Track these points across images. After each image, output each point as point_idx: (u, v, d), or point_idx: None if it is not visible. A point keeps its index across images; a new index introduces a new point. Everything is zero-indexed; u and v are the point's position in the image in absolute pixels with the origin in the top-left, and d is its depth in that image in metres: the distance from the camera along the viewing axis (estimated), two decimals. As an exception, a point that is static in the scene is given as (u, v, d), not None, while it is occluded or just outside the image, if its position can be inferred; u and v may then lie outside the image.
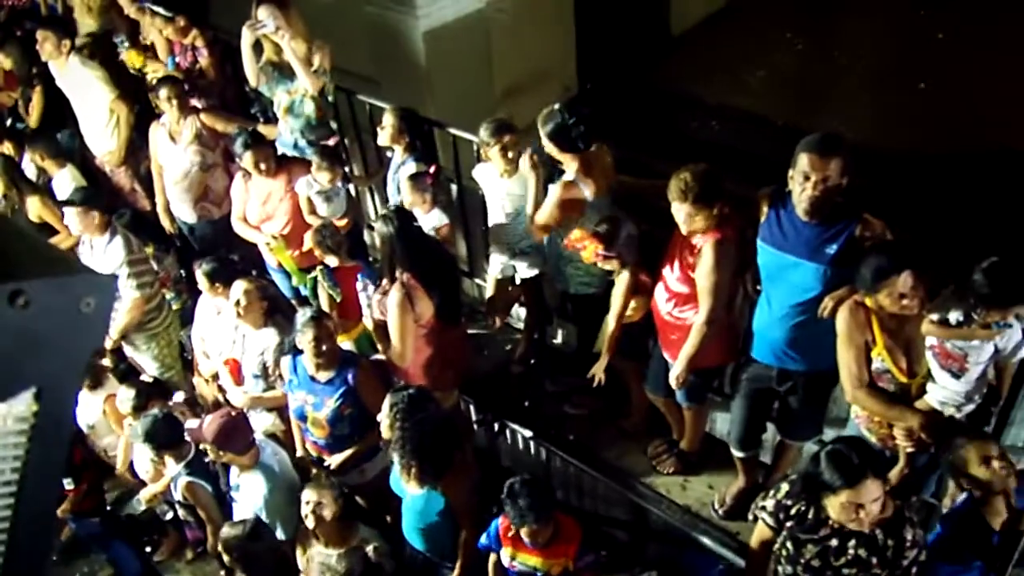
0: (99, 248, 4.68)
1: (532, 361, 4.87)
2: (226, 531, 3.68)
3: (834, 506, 2.75)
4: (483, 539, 3.73)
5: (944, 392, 3.06)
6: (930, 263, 2.96)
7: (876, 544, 2.83)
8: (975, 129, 6.53)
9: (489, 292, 4.59)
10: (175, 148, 5.15)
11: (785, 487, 3.00)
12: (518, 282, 4.51)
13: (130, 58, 5.57)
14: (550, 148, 3.80)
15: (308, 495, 3.75)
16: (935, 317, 2.95)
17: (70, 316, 0.92)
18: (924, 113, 6.75)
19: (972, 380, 3.02)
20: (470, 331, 4.94)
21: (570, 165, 3.81)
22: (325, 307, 4.67)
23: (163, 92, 5.02)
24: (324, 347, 3.92)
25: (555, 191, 3.83)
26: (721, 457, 4.16)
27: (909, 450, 3.17)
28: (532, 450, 4.87)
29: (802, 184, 3.08)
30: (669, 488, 4.29)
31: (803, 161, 3.06)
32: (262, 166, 4.69)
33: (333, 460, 4.11)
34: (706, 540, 4.09)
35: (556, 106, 3.77)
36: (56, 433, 1.01)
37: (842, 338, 3.12)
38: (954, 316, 2.91)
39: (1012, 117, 6.45)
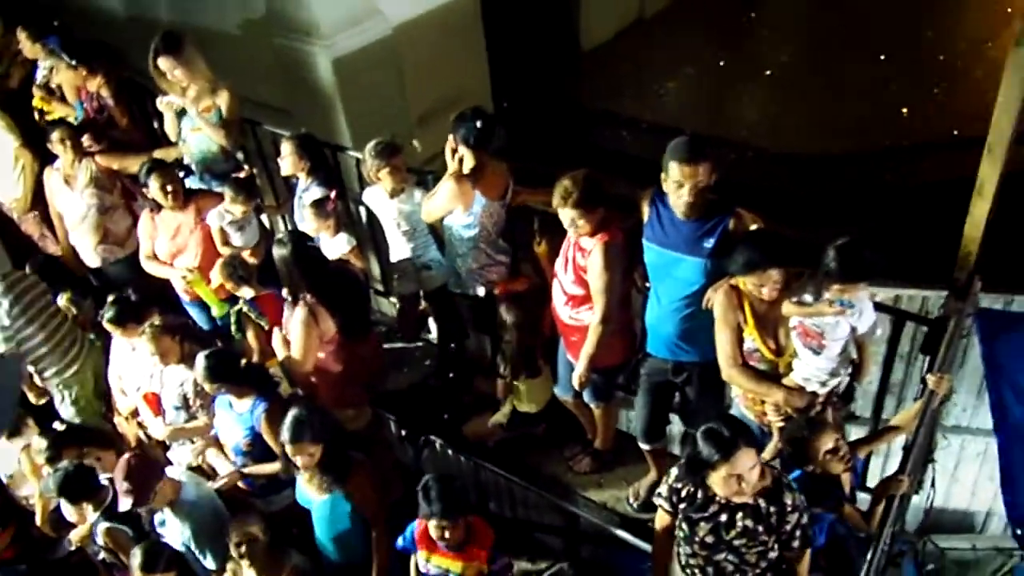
0: None
1: (450, 375, 4.95)
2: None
3: (717, 482, 2.90)
4: (400, 541, 3.81)
5: (808, 369, 3.24)
6: (797, 256, 3.15)
7: (760, 513, 2.98)
8: (873, 128, 6.85)
9: (399, 310, 4.68)
10: (71, 193, 5.12)
11: (675, 472, 3.15)
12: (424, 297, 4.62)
13: (36, 100, 5.57)
14: (452, 143, 3.98)
15: (235, 535, 3.75)
16: (793, 298, 3.15)
17: None
18: (825, 117, 7.06)
19: (833, 357, 3.21)
20: (387, 347, 5.02)
21: (468, 161, 3.98)
22: (251, 339, 4.70)
23: (55, 135, 5.00)
24: (208, 387, 4.04)
25: (448, 183, 3.99)
26: (634, 453, 4.28)
27: (780, 425, 3.34)
28: (458, 463, 4.94)
29: (677, 192, 3.27)
30: (586, 487, 4.39)
31: (674, 170, 3.24)
32: (168, 188, 4.65)
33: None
34: (623, 533, 4.20)
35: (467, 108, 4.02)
36: None
37: (718, 320, 3.30)
38: (808, 295, 3.12)
39: (906, 116, 6.81)
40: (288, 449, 3.68)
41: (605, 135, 7.46)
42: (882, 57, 7.59)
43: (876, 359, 3.64)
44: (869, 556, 3.01)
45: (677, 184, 3.24)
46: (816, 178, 6.47)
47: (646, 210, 3.49)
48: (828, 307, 3.09)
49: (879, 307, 3.40)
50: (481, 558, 3.62)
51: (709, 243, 3.34)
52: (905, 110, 7.02)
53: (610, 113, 7.77)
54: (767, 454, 3.35)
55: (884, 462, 4.47)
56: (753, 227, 3.31)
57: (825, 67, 7.74)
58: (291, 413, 3.70)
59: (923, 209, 5.88)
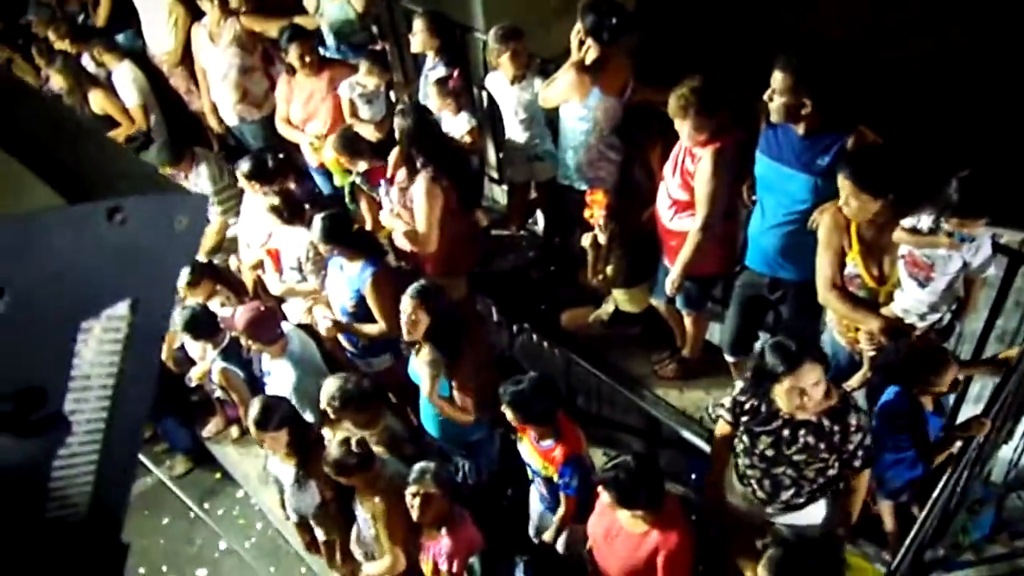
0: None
1: (551, 268, 5.03)
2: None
3: (780, 394, 2.92)
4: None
5: (909, 300, 3.13)
6: (904, 187, 3.01)
7: (823, 431, 2.99)
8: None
9: (509, 197, 4.76)
10: (215, 50, 5.36)
11: (739, 385, 3.20)
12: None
13: None
14: (579, 31, 3.93)
15: (328, 393, 3.97)
16: (907, 224, 3.01)
17: (165, 233, 0.94)
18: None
19: (938, 291, 3.08)
20: (495, 234, 5.14)
21: (591, 52, 3.94)
22: (365, 210, 4.92)
23: None
24: (322, 247, 4.25)
25: (567, 72, 3.97)
26: (720, 364, 4.28)
27: (871, 354, 3.27)
28: (551, 355, 5.07)
29: (770, 98, 3.22)
30: (668, 392, 4.45)
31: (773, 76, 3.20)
32: (306, 59, 4.84)
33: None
34: (698, 441, 4.26)
35: None
36: (150, 343, 1.05)
37: (821, 240, 3.22)
38: (923, 224, 2.97)
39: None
40: (407, 306, 3.77)
41: (749, 40, 7.14)
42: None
43: (986, 301, 3.48)
44: (935, 493, 2.97)
45: (771, 90, 3.17)
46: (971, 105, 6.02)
47: (763, 121, 3.40)
48: (944, 239, 2.95)
49: (998, 247, 3.24)
50: (555, 464, 3.64)
51: (824, 161, 3.23)
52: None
53: (758, 18, 7.41)
54: (855, 382, 3.33)
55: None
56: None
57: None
58: (418, 281, 3.84)
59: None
